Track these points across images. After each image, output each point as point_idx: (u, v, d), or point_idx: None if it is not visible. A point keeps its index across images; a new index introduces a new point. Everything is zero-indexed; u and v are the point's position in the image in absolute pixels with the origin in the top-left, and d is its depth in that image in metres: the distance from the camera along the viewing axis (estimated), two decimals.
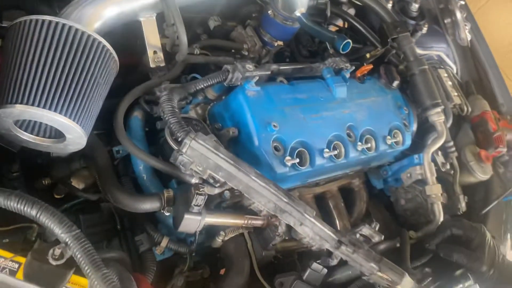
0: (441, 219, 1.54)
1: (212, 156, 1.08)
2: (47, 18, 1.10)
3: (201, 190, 1.07)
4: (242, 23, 1.63)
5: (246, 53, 1.55)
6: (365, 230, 1.08)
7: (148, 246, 1.21)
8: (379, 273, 1.09)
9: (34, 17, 1.10)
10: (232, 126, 1.26)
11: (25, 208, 0.86)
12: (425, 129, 1.72)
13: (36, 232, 0.95)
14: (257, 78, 1.27)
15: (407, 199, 1.67)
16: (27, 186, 1.31)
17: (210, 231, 1.25)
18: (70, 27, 1.10)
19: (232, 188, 1.12)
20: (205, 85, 1.28)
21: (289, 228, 1.18)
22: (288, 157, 1.25)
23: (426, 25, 1.90)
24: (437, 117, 1.61)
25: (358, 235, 1.09)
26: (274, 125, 1.24)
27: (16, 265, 0.84)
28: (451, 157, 1.68)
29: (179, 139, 1.10)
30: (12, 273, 0.81)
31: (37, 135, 1.16)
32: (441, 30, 1.99)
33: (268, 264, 1.27)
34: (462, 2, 1.95)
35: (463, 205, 1.66)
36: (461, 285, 1.40)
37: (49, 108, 1.05)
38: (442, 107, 1.62)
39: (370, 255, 1.09)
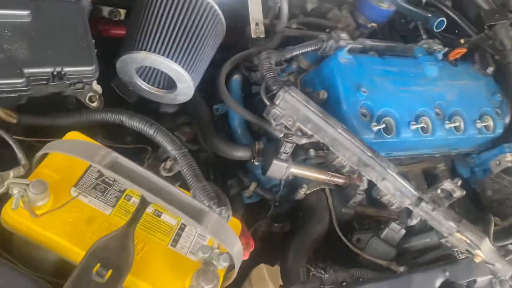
0: None
1: (303, 108, 1.17)
2: None
3: (289, 138, 1.17)
4: (338, 6, 1.73)
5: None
6: (447, 184, 1.11)
7: (238, 190, 1.33)
8: (458, 234, 1.10)
9: None
10: None
11: (145, 128, 1.02)
12: None
13: (149, 154, 1.10)
14: (350, 47, 1.35)
15: (495, 190, 1.62)
16: (136, 134, 1.50)
17: (294, 185, 1.33)
18: None
19: (318, 141, 1.20)
20: (300, 51, 1.39)
21: (370, 186, 1.23)
22: (374, 123, 1.31)
23: None
24: None
25: (439, 191, 1.12)
26: (363, 91, 1.31)
27: None
28: None
29: (274, 92, 1.21)
30: None
31: (152, 85, 1.35)
32: None
33: (346, 224, 1.32)
34: None
35: None
36: None
37: (167, 56, 1.22)
38: None
39: (450, 213, 1.11)
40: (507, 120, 1.65)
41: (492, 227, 1.37)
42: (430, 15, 1.48)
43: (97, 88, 1.17)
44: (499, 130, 1.58)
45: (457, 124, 1.46)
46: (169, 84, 1.33)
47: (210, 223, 0.81)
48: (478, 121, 1.52)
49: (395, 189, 1.15)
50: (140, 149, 1.11)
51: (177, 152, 1.00)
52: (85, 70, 0.98)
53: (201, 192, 0.94)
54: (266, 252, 1.37)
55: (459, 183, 1.14)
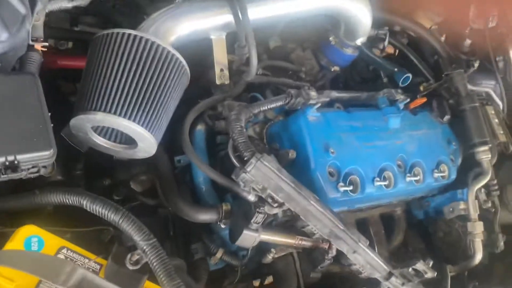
0: (480, 256, 1.56)
1: (275, 177, 1.13)
2: (130, 31, 1.16)
3: (261, 209, 1.13)
4: (301, 45, 1.69)
5: (303, 76, 1.60)
6: (419, 265, 1.12)
7: (203, 255, 1.27)
8: None
9: (117, 30, 1.17)
10: (290, 148, 1.31)
11: (109, 213, 0.93)
12: (468, 165, 1.73)
13: (111, 235, 1.01)
14: (319, 105, 1.32)
15: (447, 233, 1.69)
16: (88, 184, 1.39)
17: (260, 247, 1.29)
18: (152, 42, 1.17)
19: (289, 209, 1.17)
20: (269, 107, 1.34)
21: (338, 253, 1.22)
22: (341, 184, 1.30)
23: (478, 62, 1.93)
24: (484, 155, 1.63)
25: (410, 269, 1.13)
26: (331, 151, 1.29)
27: (98, 267, 0.91)
28: (493, 196, 1.70)
29: (245, 158, 1.15)
30: (95, 273, 0.87)
31: (109, 139, 1.24)
32: (491, 67, 2.01)
33: (312, 286, 1.31)
34: None
35: (501, 244, 1.68)
36: None
37: (128, 118, 1.11)
38: (490, 145, 1.64)
39: None
40: (459, 163, 1.71)
41: (449, 281, 1.43)
42: (396, 69, 1.49)
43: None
44: (453, 176, 1.63)
45: (417, 177, 1.49)
46: (128, 139, 1.23)
47: None
48: (436, 170, 1.56)
49: (366, 262, 1.15)
50: (101, 229, 1.01)
51: (145, 243, 0.92)
52: (41, 155, 0.86)
53: None
54: None
55: (431, 264, 1.16)
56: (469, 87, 1.86)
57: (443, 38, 1.94)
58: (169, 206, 1.27)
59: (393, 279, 1.13)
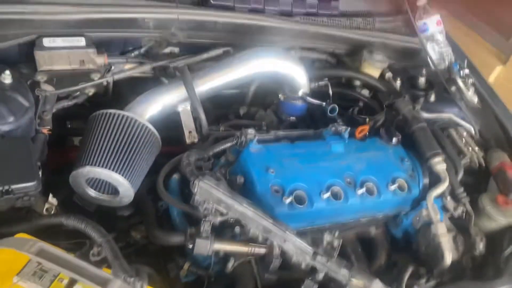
0: (450, 256, 1.65)
1: (215, 192, 1.43)
2: (116, 111, 1.63)
3: (207, 218, 1.42)
4: (263, 107, 2.08)
5: (265, 128, 1.95)
6: (326, 235, 1.31)
7: (176, 272, 1.53)
8: (354, 280, 1.28)
9: (105, 110, 1.65)
10: None
11: (77, 223, 1.30)
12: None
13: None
14: (257, 138, 1.65)
15: (426, 245, 1.78)
16: None
17: (226, 261, 1.53)
18: (130, 118, 1.63)
19: (233, 218, 1.44)
20: (220, 148, 1.69)
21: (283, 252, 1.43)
22: (285, 197, 1.55)
23: (434, 94, 2.17)
24: (438, 164, 1.80)
25: (325, 243, 1.31)
26: (271, 171, 1.57)
27: None
28: (463, 202, 1.80)
29: (192, 183, 1.48)
30: None
31: (100, 192, 1.64)
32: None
33: None
34: (466, 71, 2.19)
35: (480, 247, 1.74)
36: None
37: (105, 167, 1.52)
38: (443, 156, 1.81)
39: (342, 262, 1.30)
40: (425, 181, 1.86)
41: (407, 274, 1.53)
42: (324, 103, 1.81)
43: (53, 200, 1.47)
44: (416, 191, 1.78)
45: (368, 188, 1.67)
46: (114, 189, 1.62)
47: None
48: (391, 183, 1.73)
49: (296, 247, 1.35)
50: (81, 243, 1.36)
51: (102, 240, 1.25)
52: (28, 186, 1.28)
53: (118, 267, 1.17)
54: None
55: (336, 234, 1.33)
56: (428, 114, 2.08)
57: (398, 82, 2.24)
58: (150, 238, 1.58)
59: (319, 257, 1.31)
